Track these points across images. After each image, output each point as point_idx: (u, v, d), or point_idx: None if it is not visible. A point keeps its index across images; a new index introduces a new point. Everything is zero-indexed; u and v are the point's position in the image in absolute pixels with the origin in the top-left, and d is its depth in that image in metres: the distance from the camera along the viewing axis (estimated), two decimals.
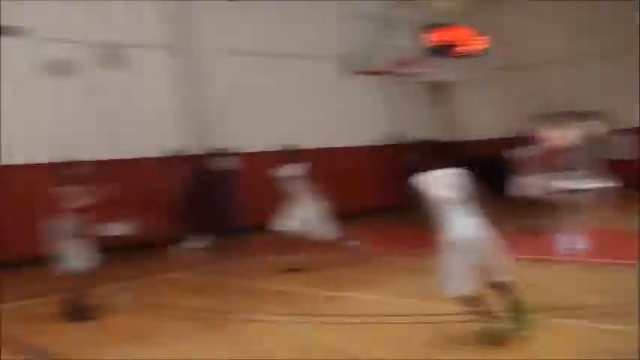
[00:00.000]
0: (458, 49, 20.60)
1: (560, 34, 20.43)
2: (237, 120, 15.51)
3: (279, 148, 10.71)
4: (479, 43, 20.95)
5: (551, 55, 20.74)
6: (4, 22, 12.39)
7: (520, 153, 12.39)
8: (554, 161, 13.85)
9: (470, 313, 5.67)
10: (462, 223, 5.51)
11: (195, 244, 12.80)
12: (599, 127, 15.80)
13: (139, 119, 13.83)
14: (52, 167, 8.16)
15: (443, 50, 20.05)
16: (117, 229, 10.73)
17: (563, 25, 20.39)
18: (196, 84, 14.86)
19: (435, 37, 19.88)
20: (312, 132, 16.66)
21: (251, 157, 15.11)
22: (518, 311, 5.60)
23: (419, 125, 19.76)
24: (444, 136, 17.96)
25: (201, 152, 14.53)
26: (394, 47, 13.00)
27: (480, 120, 21.32)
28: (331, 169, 16.93)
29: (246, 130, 15.54)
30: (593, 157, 13.42)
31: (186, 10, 14.82)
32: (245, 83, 15.73)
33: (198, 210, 13.32)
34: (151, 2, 14.61)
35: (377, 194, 18.19)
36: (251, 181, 14.41)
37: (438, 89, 20.91)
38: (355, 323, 6.93)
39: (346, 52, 12.07)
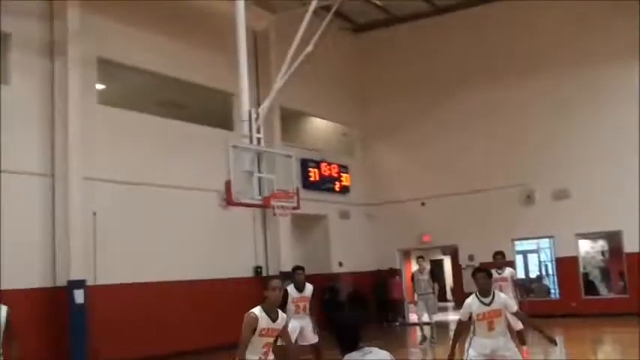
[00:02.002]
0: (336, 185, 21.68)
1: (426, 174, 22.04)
2: (115, 251, 15.02)
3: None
4: (346, 180, 22.22)
5: (417, 193, 22.11)
6: None
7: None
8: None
9: None
10: None
11: None
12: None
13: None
14: None
15: (318, 184, 20.95)
16: None
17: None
18: (68, 212, 14.30)
19: (312, 173, 20.80)
20: (190, 263, 16.46)
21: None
22: None
23: (292, 257, 20.05)
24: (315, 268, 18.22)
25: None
26: (271, 181, 13.23)
27: (352, 253, 21.84)
28: (206, 300, 16.68)
29: (119, 262, 15.04)
30: None
31: (63, 140, 14.50)
32: (123, 213, 15.38)
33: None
34: (29, 130, 14.22)
35: None
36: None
37: (311, 223, 21.43)
38: None
39: (225, 185, 12.13)
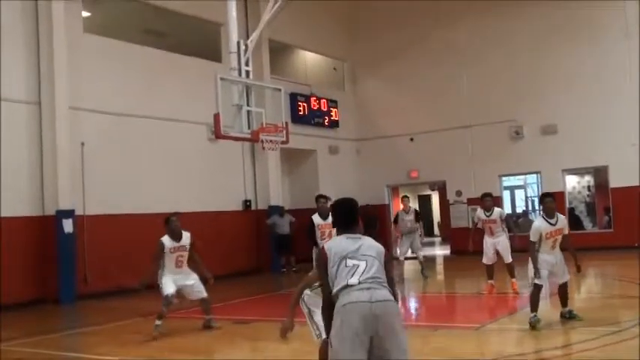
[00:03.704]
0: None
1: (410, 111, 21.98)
2: (104, 181, 15.02)
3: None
4: (336, 115, 22.14)
5: (406, 128, 22.09)
6: None
7: None
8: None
9: None
10: None
11: None
12: None
13: None
14: None
15: (308, 119, 20.85)
16: None
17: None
18: (55, 142, 14.19)
19: (302, 107, 20.67)
20: (179, 195, 16.47)
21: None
22: None
23: (281, 192, 20.13)
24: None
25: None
26: (260, 114, 13.15)
27: (341, 188, 21.89)
28: (195, 233, 16.71)
29: (112, 191, 15.08)
30: None
31: (49, 68, 14.27)
32: (111, 145, 15.33)
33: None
34: (18, 58, 14.01)
35: (242, 257, 18.18)
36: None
37: (300, 157, 21.43)
38: None
39: (213, 118, 12.04)
